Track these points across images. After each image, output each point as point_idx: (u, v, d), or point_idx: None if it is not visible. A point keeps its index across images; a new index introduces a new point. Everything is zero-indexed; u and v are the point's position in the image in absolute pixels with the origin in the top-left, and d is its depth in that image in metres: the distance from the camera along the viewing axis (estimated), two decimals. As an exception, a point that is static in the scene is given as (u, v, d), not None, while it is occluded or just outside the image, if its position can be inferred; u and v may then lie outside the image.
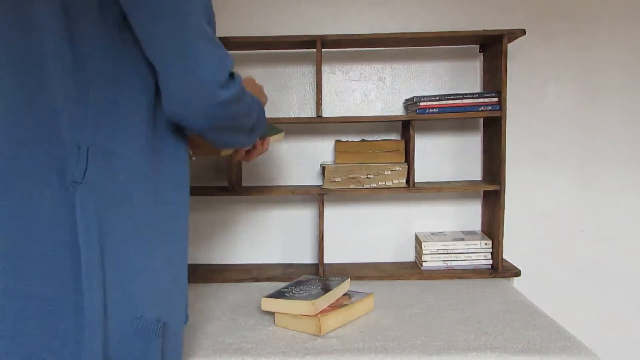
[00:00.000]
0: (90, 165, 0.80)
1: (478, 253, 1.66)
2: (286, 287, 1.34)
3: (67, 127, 0.80)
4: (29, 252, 0.78)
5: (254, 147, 1.15)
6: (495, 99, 1.58)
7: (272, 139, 1.22)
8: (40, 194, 0.79)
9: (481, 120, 1.78)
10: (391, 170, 1.64)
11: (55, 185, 0.79)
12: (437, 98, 1.59)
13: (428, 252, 1.66)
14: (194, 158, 1.18)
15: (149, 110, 0.86)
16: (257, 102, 1.00)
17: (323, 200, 1.62)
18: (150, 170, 0.86)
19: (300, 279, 1.44)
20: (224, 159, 1.72)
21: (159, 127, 0.88)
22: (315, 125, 1.78)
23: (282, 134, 1.28)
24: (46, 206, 0.79)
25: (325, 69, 1.77)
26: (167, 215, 0.88)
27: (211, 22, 0.85)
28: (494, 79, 1.63)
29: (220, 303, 1.44)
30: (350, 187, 1.64)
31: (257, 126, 1.00)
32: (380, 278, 1.63)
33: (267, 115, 1.65)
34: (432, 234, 1.76)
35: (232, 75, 0.84)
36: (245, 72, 1.77)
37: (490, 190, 1.66)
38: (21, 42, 0.81)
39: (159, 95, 0.85)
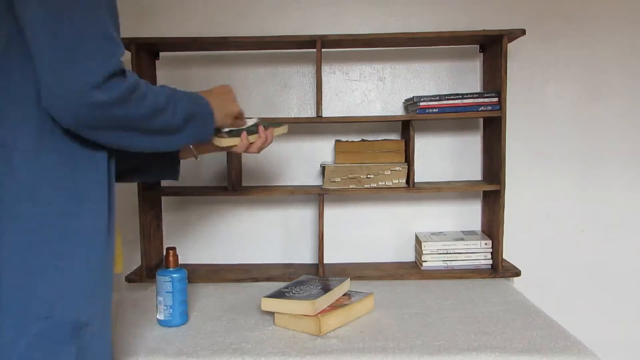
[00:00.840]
0: None
1: (478, 253, 1.66)
2: (286, 287, 1.34)
3: None
4: None
5: (258, 138, 1.15)
6: (495, 99, 1.58)
7: (275, 130, 1.22)
8: None
9: (481, 120, 1.78)
10: (391, 170, 1.64)
11: None
12: (437, 98, 1.59)
13: (428, 252, 1.66)
14: (198, 158, 1.18)
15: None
16: (193, 108, 0.94)
17: (323, 200, 1.62)
18: (61, 171, 0.82)
19: (300, 279, 1.44)
20: (222, 154, 1.72)
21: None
22: (315, 125, 1.78)
23: (286, 126, 1.27)
24: None
25: (325, 69, 1.77)
26: (83, 215, 0.84)
27: (111, 12, 0.80)
28: (494, 79, 1.63)
29: (220, 303, 1.44)
30: (350, 187, 1.64)
31: (183, 131, 0.93)
32: (380, 278, 1.63)
33: (267, 115, 1.66)
34: (432, 234, 1.76)
35: (122, 75, 0.78)
36: (245, 72, 1.77)
37: (490, 190, 1.66)
38: None
39: None
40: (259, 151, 1.18)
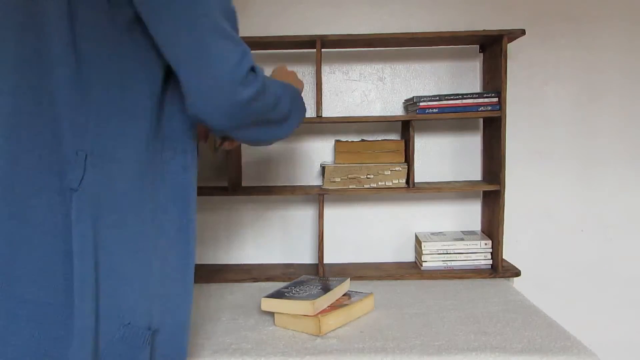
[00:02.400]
0: (88, 171, 0.79)
1: (478, 253, 1.66)
2: (286, 287, 1.34)
3: (68, 132, 0.79)
4: (23, 256, 0.78)
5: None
6: (495, 99, 1.58)
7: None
8: (37, 198, 0.79)
9: (481, 120, 1.78)
10: (391, 170, 1.64)
11: (52, 190, 0.79)
12: (437, 98, 1.59)
13: (428, 252, 1.66)
14: (217, 150, 1.18)
15: (153, 117, 0.84)
16: (289, 91, 0.98)
17: (323, 200, 1.62)
18: (149, 178, 0.84)
19: (300, 279, 1.44)
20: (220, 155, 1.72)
21: (163, 134, 0.86)
22: (315, 125, 1.78)
23: None
24: (42, 211, 0.78)
25: (325, 69, 1.77)
26: (166, 223, 0.87)
27: (230, 18, 0.84)
28: (494, 79, 1.63)
29: (220, 303, 1.44)
30: (350, 187, 1.64)
31: (291, 115, 0.98)
32: (380, 278, 1.63)
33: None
34: (432, 234, 1.76)
35: (253, 70, 0.83)
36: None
37: (490, 190, 1.66)
38: (30, 45, 0.81)
39: (165, 101, 0.85)
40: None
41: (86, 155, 0.79)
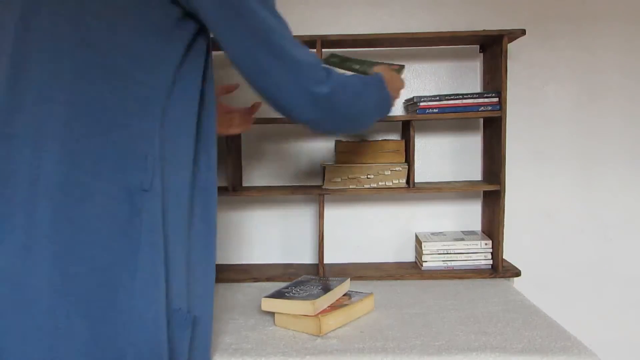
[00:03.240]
0: (156, 174, 0.85)
1: (478, 253, 1.66)
2: (286, 287, 1.34)
3: (137, 139, 0.84)
4: (85, 254, 0.81)
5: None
6: (495, 99, 1.58)
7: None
8: (99, 199, 0.82)
9: (481, 121, 1.78)
10: (391, 170, 1.64)
11: (114, 192, 0.83)
12: (437, 98, 1.59)
13: (428, 252, 1.66)
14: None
15: (197, 121, 0.94)
16: (373, 87, 1.10)
17: (323, 200, 1.62)
18: (192, 177, 0.94)
19: (300, 279, 1.44)
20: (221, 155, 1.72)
21: (203, 140, 0.97)
22: (315, 125, 1.77)
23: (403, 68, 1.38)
24: (104, 212, 0.82)
25: (325, 69, 1.77)
26: (197, 218, 0.96)
27: (286, 26, 0.97)
28: (494, 79, 1.63)
29: (220, 303, 1.44)
30: (350, 187, 1.64)
31: (375, 109, 1.12)
32: (380, 278, 1.63)
33: (267, 116, 1.66)
34: (432, 234, 1.76)
35: (329, 71, 0.96)
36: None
37: (490, 190, 1.66)
38: (92, 55, 0.84)
39: (203, 112, 0.96)
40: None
41: (154, 160, 0.85)
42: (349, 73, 1.23)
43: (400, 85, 1.26)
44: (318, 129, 1.03)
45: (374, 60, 1.41)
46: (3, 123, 0.83)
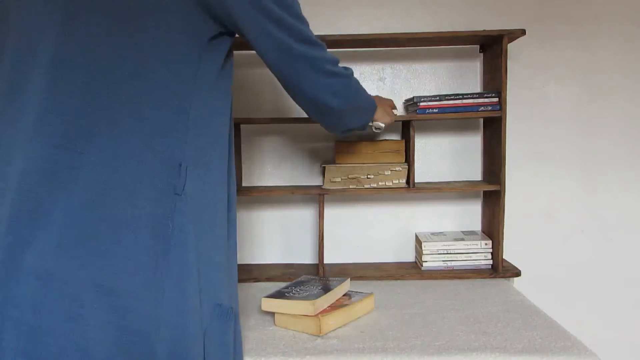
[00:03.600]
0: (189, 179, 0.89)
1: (478, 253, 1.66)
2: (286, 287, 1.34)
3: (167, 146, 0.88)
4: (118, 254, 0.83)
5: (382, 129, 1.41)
6: (495, 99, 1.58)
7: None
8: (132, 201, 0.85)
9: (481, 120, 1.78)
10: (391, 170, 1.64)
11: (148, 196, 0.85)
12: (437, 98, 1.59)
13: (428, 252, 1.66)
14: None
15: (228, 131, 1.01)
16: (365, 92, 1.22)
17: (323, 200, 1.62)
18: (224, 183, 1.00)
19: (300, 279, 1.44)
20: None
21: (230, 146, 1.03)
22: (315, 125, 1.77)
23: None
24: (137, 214, 0.85)
25: (326, 69, 1.77)
26: (230, 220, 1.02)
27: (303, 19, 1.01)
28: (494, 79, 1.63)
29: (221, 303, 1.44)
30: (350, 187, 1.64)
31: (368, 108, 1.26)
32: (380, 278, 1.63)
33: (267, 116, 1.66)
34: (432, 234, 1.76)
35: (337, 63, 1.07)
36: (246, 72, 1.77)
37: (490, 190, 1.66)
38: (130, 64, 0.87)
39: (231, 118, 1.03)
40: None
41: (187, 166, 0.89)
42: None
43: (389, 110, 1.40)
44: (331, 116, 1.13)
45: None
46: (39, 122, 0.85)
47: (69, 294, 0.81)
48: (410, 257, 1.81)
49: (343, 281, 1.37)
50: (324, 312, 1.23)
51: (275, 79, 1.78)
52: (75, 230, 0.82)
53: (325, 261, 1.77)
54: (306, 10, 1.75)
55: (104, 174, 0.84)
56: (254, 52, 1.76)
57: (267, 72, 1.77)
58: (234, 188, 1.05)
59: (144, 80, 0.86)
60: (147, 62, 0.86)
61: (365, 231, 1.81)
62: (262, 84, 1.78)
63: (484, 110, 1.59)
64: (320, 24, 1.75)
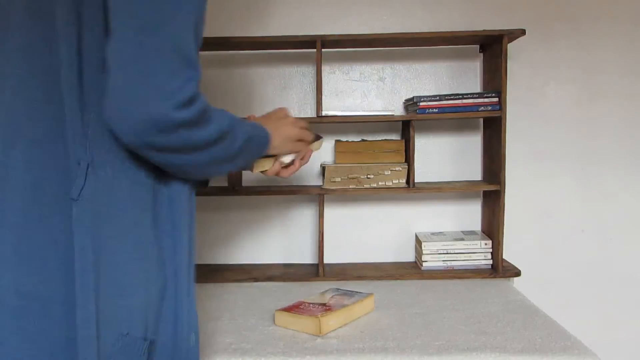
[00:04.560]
0: (89, 181, 0.79)
1: (478, 253, 1.66)
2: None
3: (71, 141, 0.79)
4: (49, 258, 0.79)
5: (293, 163, 1.12)
6: (495, 99, 1.58)
7: (313, 147, 1.17)
8: (44, 207, 0.79)
9: (481, 120, 1.78)
10: (391, 170, 1.64)
11: (55, 199, 0.79)
12: (437, 98, 1.59)
13: (428, 252, 1.66)
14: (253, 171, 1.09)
15: None
16: (247, 130, 0.91)
17: (323, 200, 1.62)
18: (148, 187, 0.84)
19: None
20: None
21: None
22: (315, 125, 1.77)
23: (322, 141, 1.23)
24: (47, 219, 0.79)
25: (325, 69, 1.77)
26: (164, 232, 0.86)
27: (199, 30, 0.80)
28: (494, 79, 1.63)
29: (220, 303, 1.44)
30: (350, 187, 1.64)
31: (239, 154, 0.90)
32: (380, 278, 1.63)
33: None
34: (432, 234, 1.76)
35: (195, 98, 0.76)
36: (245, 72, 1.77)
37: (490, 190, 1.66)
38: (42, 52, 0.81)
39: None
40: (289, 175, 1.14)
41: (88, 165, 0.79)
42: None
43: (290, 131, 1.08)
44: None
45: None
46: None
47: None
48: (410, 257, 1.81)
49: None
50: (324, 312, 1.23)
51: (270, 79, 1.79)
52: (6, 231, 0.78)
53: (325, 261, 1.77)
54: (306, 10, 1.76)
55: (30, 173, 0.79)
56: (248, 51, 1.77)
57: (262, 72, 1.77)
58: (182, 193, 0.89)
59: (50, 53, 0.79)
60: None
61: (365, 231, 1.81)
62: (259, 83, 1.78)
63: (483, 110, 1.59)
64: (320, 24, 1.75)
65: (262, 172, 1.08)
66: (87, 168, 0.78)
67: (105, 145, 0.80)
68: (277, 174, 1.11)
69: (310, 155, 1.16)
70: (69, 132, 0.79)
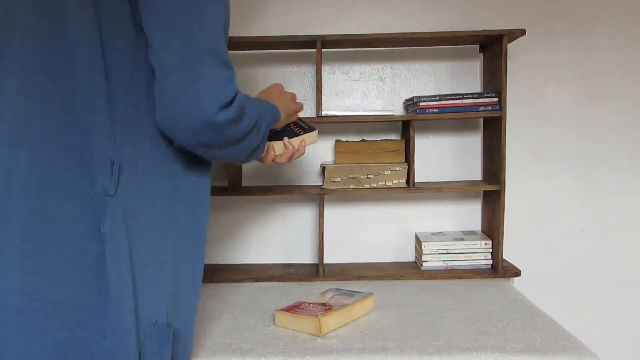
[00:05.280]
0: (122, 179, 0.82)
1: (478, 253, 1.66)
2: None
3: (99, 140, 0.81)
4: (54, 257, 0.80)
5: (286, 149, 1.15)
6: (495, 99, 1.58)
7: (307, 140, 1.19)
8: (67, 203, 0.81)
9: (481, 120, 1.78)
10: (391, 170, 1.64)
11: (83, 195, 0.81)
12: (437, 98, 1.59)
13: (428, 252, 1.66)
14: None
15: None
16: (267, 115, 0.98)
17: (323, 200, 1.62)
18: (171, 184, 0.89)
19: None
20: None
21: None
22: (315, 125, 1.77)
23: (316, 132, 1.24)
24: (72, 216, 0.80)
25: (325, 69, 1.77)
26: (183, 227, 0.91)
27: (226, 33, 0.87)
28: (494, 79, 1.63)
29: (220, 303, 1.44)
30: (350, 187, 1.64)
31: (260, 145, 0.98)
32: (380, 278, 1.63)
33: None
34: (432, 234, 1.76)
35: (235, 98, 0.83)
36: (245, 72, 1.77)
37: (490, 190, 1.66)
38: (57, 52, 0.82)
39: None
40: (288, 161, 1.16)
41: (120, 164, 0.82)
42: None
43: (293, 107, 1.17)
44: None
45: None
46: None
47: (0, 299, 0.78)
48: (410, 257, 1.81)
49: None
50: (324, 312, 1.23)
51: (270, 79, 1.79)
52: (11, 230, 0.79)
53: (325, 261, 1.77)
54: (306, 10, 1.76)
55: (35, 175, 0.80)
56: (252, 51, 1.77)
57: (262, 72, 1.77)
58: (200, 188, 0.94)
59: (66, 54, 0.81)
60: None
61: (365, 231, 1.81)
62: (259, 83, 1.78)
63: (483, 110, 1.59)
64: (321, 24, 1.75)
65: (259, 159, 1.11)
66: (120, 165, 0.82)
67: (132, 144, 0.83)
68: (275, 159, 1.14)
69: (304, 146, 1.19)
70: (94, 131, 0.81)
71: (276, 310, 1.28)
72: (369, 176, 1.64)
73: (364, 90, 1.79)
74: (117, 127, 0.82)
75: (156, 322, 0.85)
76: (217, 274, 1.68)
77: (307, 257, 1.82)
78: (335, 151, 1.70)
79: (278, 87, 1.17)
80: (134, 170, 0.84)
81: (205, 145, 0.85)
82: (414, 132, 1.61)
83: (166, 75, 0.79)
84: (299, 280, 1.62)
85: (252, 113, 0.89)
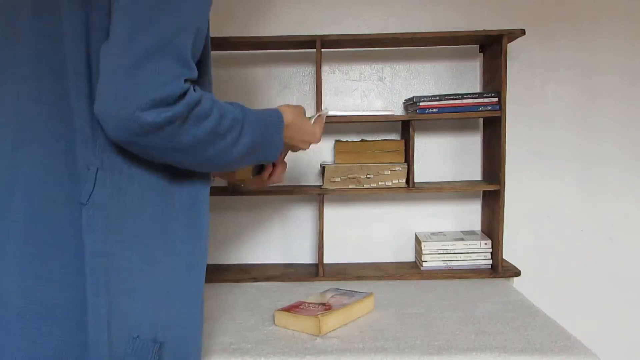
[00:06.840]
0: (98, 186, 0.79)
1: (478, 253, 1.66)
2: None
3: (80, 145, 0.79)
4: (54, 260, 0.79)
5: (272, 172, 1.11)
6: (495, 99, 1.58)
7: (319, 118, 1.12)
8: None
9: (481, 120, 1.78)
10: (391, 170, 1.64)
11: (65, 203, 0.79)
12: (437, 98, 1.59)
13: (428, 252, 1.66)
14: (214, 178, 1.10)
15: None
16: (256, 134, 0.89)
17: (323, 200, 1.62)
18: (159, 191, 0.84)
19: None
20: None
21: None
22: (315, 125, 1.77)
23: (326, 111, 1.19)
24: (55, 223, 0.79)
25: (325, 69, 1.77)
26: (176, 237, 0.87)
27: (200, 43, 0.80)
28: (494, 79, 1.63)
29: (220, 303, 1.44)
30: (350, 187, 1.64)
31: (243, 158, 0.89)
32: (380, 278, 1.63)
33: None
34: (432, 234, 1.76)
35: (179, 98, 0.73)
36: (245, 72, 1.77)
37: (490, 190, 1.66)
38: (49, 54, 0.81)
39: None
40: (278, 180, 1.13)
41: (97, 170, 0.79)
42: None
43: (309, 133, 1.07)
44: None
45: None
46: None
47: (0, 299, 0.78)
48: (410, 257, 1.81)
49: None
50: (324, 312, 1.23)
51: (270, 79, 1.79)
52: (13, 232, 0.79)
53: (325, 261, 1.77)
54: (306, 10, 1.76)
55: (36, 174, 0.79)
56: (252, 51, 1.77)
57: (262, 72, 1.77)
58: (196, 195, 0.89)
59: (57, 56, 0.80)
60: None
61: (365, 231, 1.81)
62: (259, 83, 1.78)
63: (483, 110, 1.59)
64: (320, 24, 1.75)
65: (239, 180, 1.06)
66: (97, 172, 0.78)
67: (114, 150, 0.80)
68: (260, 182, 1.10)
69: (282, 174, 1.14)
70: (77, 136, 0.79)
71: (276, 310, 1.28)
72: (368, 176, 1.64)
73: (363, 90, 1.79)
74: (96, 134, 0.79)
75: (137, 336, 0.82)
76: (217, 274, 1.68)
77: (306, 257, 1.82)
78: (335, 151, 1.70)
79: (297, 114, 1.05)
80: (117, 177, 0.80)
81: (140, 145, 0.76)
82: (413, 132, 1.61)
83: (107, 65, 0.73)
84: (299, 280, 1.62)
85: (223, 124, 0.81)
